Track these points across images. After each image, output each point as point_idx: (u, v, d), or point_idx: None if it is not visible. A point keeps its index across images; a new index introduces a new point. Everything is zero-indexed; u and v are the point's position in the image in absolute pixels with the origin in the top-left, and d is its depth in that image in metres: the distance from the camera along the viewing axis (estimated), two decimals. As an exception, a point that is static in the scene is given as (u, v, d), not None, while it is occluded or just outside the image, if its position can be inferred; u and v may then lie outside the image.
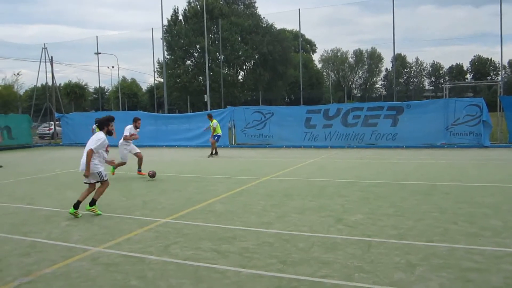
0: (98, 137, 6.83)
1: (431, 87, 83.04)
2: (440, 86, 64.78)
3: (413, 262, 4.41)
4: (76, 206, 6.66)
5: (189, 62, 52.76)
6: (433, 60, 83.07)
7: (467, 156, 14.53)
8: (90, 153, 6.64)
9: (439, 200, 7.47)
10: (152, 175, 10.77)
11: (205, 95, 32.07)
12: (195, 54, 52.01)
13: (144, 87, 70.78)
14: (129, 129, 11.46)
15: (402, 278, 4.03)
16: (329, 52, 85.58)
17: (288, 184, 9.66)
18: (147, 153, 15.18)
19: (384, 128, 18.70)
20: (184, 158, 16.48)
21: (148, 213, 6.98)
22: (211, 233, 5.63)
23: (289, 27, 62.84)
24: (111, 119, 7.16)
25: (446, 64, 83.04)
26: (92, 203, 6.85)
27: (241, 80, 54.11)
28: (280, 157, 15.82)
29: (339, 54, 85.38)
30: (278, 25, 55.20)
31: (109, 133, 7.04)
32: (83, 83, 55.36)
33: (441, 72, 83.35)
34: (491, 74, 75.24)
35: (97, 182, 6.91)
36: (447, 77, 77.96)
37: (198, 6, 49.90)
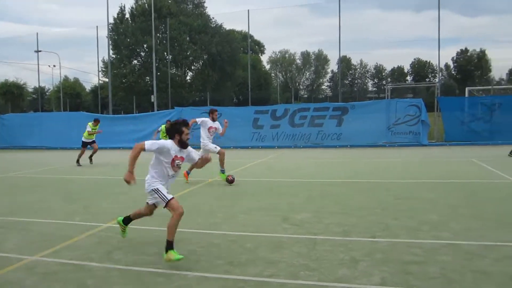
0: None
1: (374, 88, 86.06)
2: (382, 87, 67.30)
3: (356, 258, 4.52)
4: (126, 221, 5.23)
5: (135, 61, 51.58)
6: (376, 62, 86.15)
7: (407, 154, 15.17)
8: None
9: (382, 197, 7.74)
10: (232, 181, 9.52)
11: (152, 96, 31.45)
12: (142, 54, 50.92)
13: (88, 87, 68.28)
14: (205, 122, 10.09)
15: (346, 274, 4.11)
16: (277, 53, 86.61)
17: (236, 184, 9.64)
18: (88, 155, 14.67)
19: (329, 128, 19.17)
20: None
21: (89, 218, 6.71)
22: (157, 237, 5.49)
23: (238, 27, 62.97)
24: (185, 124, 4.89)
25: (388, 66, 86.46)
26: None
27: (189, 80, 53.56)
28: (228, 158, 15.71)
29: (287, 55, 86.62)
30: (228, 26, 55.26)
31: (182, 144, 4.85)
32: (21, 83, 52.63)
33: (383, 74, 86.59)
34: (430, 76, 79.01)
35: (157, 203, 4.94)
36: (389, 79, 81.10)
37: (146, 5, 48.88)
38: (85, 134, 14.69)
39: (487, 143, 17.91)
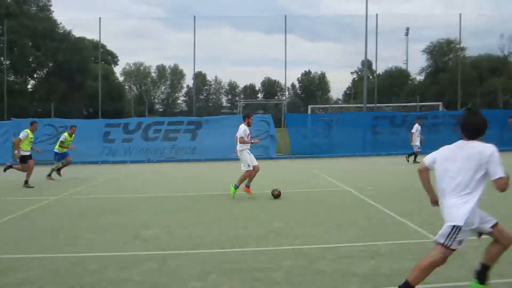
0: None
1: (228, 104, 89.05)
2: (235, 103, 70.04)
3: (207, 270, 4.54)
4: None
5: (-39, 65, 44.85)
6: (230, 79, 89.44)
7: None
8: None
9: (233, 208, 7.98)
10: (278, 195, 8.85)
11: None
12: (-29, 57, 44.55)
13: None
14: (243, 130, 9.17)
15: (197, 287, 4.10)
16: (131, 65, 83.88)
17: (82, 202, 8.98)
18: None
19: (184, 142, 19.18)
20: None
21: None
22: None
23: (89, 36, 59.33)
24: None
25: (241, 84, 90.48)
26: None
27: (31, 89, 48.49)
28: (75, 174, 14.62)
29: (142, 68, 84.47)
30: (77, 33, 51.53)
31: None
32: None
33: (237, 90, 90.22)
34: (278, 94, 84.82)
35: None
36: (242, 95, 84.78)
37: (-21, 3, 43.02)
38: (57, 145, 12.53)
39: (327, 155, 19.87)
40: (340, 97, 77.08)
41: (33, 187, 11.05)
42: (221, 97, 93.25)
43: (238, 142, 9.17)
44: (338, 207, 8.01)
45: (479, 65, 47.78)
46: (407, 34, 53.41)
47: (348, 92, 71.99)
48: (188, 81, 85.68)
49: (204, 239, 5.81)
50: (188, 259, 4.96)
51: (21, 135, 11.35)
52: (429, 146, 19.14)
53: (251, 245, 5.50)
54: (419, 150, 16.16)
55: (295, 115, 26.27)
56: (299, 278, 4.30)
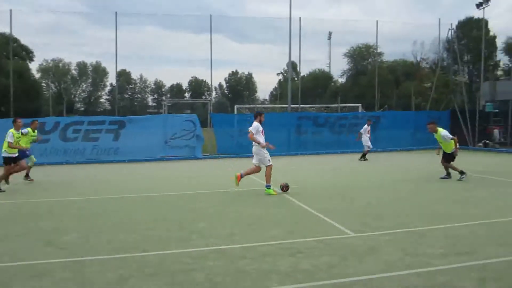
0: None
1: (154, 104, 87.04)
2: (161, 102, 68.68)
3: (125, 275, 4.38)
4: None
5: None
6: (157, 78, 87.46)
7: (183, 167, 15.75)
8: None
9: (156, 210, 7.77)
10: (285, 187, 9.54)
11: None
12: None
13: None
14: (255, 126, 9.59)
15: (113, 293, 3.94)
16: (49, 62, 79.00)
17: (-10, 208, 8.27)
18: None
19: (105, 142, 18.38)
20: None
21: None
22: None
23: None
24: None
25: (168, 83, 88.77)
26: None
27: None
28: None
29: (61, 64, 79.86)
30: (-16, 25, 47.54)
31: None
32: None
33: (163, 89, 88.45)
34: (206, 94, 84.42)
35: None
36: (168, 95, 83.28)
37: None
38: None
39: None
40: (267, 97, 78.51)
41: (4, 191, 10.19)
42: (146, 96, 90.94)
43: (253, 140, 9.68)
44: (261, 206, 8.10)
45: (395, 70, 50.95)
46: (329, 38, 55.50)
47: (274, 93, 73.50)
48: (112, 79, 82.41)
49: (125, 243, 5.59)
50: (106, 265, 4.75)
51: (9, 138, 10.49)
52: (349, 145, 20.16)
53: (174, 247, 5.40)
54: (370, 148, 17.11)
55: (221, 115, 26.24)
56: (220, 278, 4.28)
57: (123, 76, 73.21)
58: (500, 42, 49.30)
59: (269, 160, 9.73)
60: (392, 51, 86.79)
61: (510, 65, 42.18)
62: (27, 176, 12.08)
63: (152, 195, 9.42)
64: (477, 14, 50.98)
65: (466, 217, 6.77)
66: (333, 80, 59.23)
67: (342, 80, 57.35)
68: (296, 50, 25.64)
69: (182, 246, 5.40)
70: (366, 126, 17.43)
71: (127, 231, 6.19)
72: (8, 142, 10.46)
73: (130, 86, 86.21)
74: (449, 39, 28.18)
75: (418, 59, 55.33)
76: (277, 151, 20.46)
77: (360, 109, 30.55)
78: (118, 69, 26.66)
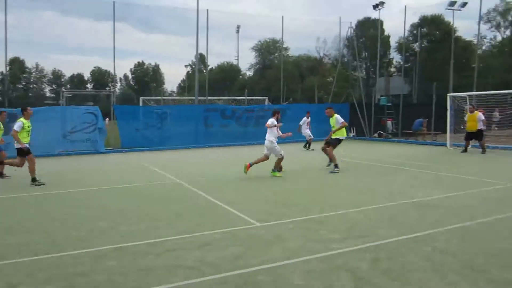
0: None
1: (52, 95, 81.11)
2: (61, 94, 64.25)
3: (14, 282, 4.01)
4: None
5: None
6: (55, 68, 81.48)
7: (84, 162, 14.88)
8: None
9: (49, 210, 7.24)
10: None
11: None
12: None
13: None
14: (272, 122, 10.68)
15: (-1, 303, 3.58)
16: None
17: None
18: None
19: (-6, 137, 16.71)
20: None
21: None
22: None
23: None
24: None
25: (68, 73, 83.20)
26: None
27: None
28: None
29: None
30: None
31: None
32: None
33: (62, 80, 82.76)
34: (110, 85, 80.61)
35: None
36: (69, 85, 78.11)
37: None
38: None
39: (158, 148, 19.59)
40: (175, 89, 77.16)
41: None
42: (43, 87, 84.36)
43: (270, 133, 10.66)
44: (168, 200, 7.93)
45: (300, 64, 52.97)
46: (238, 31, 55.96)
47: (182, 85, 72.46)
48: (1, 67, 75.19)
49: (13, 247, 5.12)
50: (-9, 271, 4.31)
51: (16, 126, 9.84)
52: (257, 137, 20.53)
53: (71, 248, 5.05)
54: (311, 137, 17.88)
55: (126, 107, 25.16)
56: (122, 278, 4.11)
57: (16, 64, 67.15)
58: (393, 42, 53.53)
59: (281, 154, 10.75)
60: (297, 46, 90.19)
61: (402, 63, 45.86)
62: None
63: (45, 194, 8.75)
64: (373, 14, 54.87)
65: (360, 203, 7.23)
66: (241, 73, 59.99)
67: (250, 73, 58.31)
68: (204, 42, 25.48)
69: (81, 247, 5.08)
70: (305, 118, 18.17)
71: (16, 235, 5.68)
72: (14, 129, 9.82)
73: (25, 75, 79.34)
74: (349, 37, 29.89)
75: (321, 55, 58.16)
76: (184, 143, 20.36)
77: (266, 102, 31.26)
78: (9, 57, 24.26)
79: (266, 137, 10.79)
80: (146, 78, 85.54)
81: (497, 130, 19.30)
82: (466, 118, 15.77)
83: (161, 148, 19.57)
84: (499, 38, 50.57)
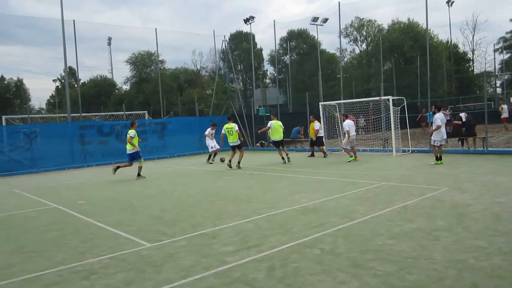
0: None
1: None
2: None
3: None
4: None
5: None
6: None
7: None
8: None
9: None
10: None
11: None
12: None
13: None
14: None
15: None
16: None
17: None
18: None
19: None
20: None
21: None
22: None
23: None
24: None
25: None
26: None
27: None
28: None
29: None
30: None
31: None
32: None
33: None
34: (-38, 103, 71.00)
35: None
36: None
37: None
38: None
39: (30, 171, 17.81)
40: (44, 106, 71.08)
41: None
42: None
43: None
44: (44, 228, 7.19)
45: (177, 77, 52.52)
46: (109, 43, 53.61)
47: (52, 101, 66.96)
48: None
49: None
50: None
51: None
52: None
53: None
54: (217, 148, 17.74)
55: (-15, 128, 22.45)
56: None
57: None
58: (265, 54, 56.15)
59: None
60: (173, 59, 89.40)
61: (275, 74, 48.32)
62: None
63: None
64: (245, 28, 56.98)
65: (249, 213, 7.36)
66: (117, 87, 57.48)
67: (126, 87, 56.12)
68: (73, 55, 23.79)
69: None
70: (209, 129, 18.04)
71: None
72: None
73: None
74: (224, 50, 30.55)
75: (198, 67, 58.55)
76: (60, 163, 18.80)
77: (146, 116, 30.39)
78: None
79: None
80: (8, 95, 77.22)
81: (364, 134, 21.26)
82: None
83: (34, 171, 17.85)
84: (357, 51, 56.15)
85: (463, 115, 19.62)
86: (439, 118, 12.55)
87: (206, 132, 18.20)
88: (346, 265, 4.49)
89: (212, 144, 17.98)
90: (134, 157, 13.55)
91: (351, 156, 14.97)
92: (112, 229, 6.76)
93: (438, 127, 12.47)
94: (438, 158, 12.64)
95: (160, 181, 12.81)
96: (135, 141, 13.43)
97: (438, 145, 12.67)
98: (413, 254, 4.71)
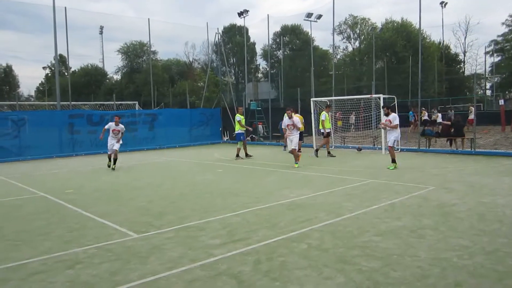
0: None
1: None
2: None
3: None
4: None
5: None
6: None
7: None
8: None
9: None
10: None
11: None
12: None
13: None
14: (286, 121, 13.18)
15: None
16: None
17: None
18: None
19: None
20: None
21: None
22: None
23: None
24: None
25: None
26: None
27: None
28: None
29: None
30: None
31: None
32: None
33: None
34: (-51, 88, 69.85)
35: None
36: None
37: None
38: None
39: (17, 159, 17.62)
40: (33, 93, 70.29)
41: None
42: None
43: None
44: (29, 216, 7.13)
45: (169, 68, 52.25)
46: (101, 32, 53.13)
47: (41, 88, 66.19)
48: None
49: None
50: None
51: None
52: (128, 144, 19.68)
53: None
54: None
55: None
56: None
57: None
58: (258, 49, 56.01)
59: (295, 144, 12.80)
60: (166, 50, 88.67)
61: (268, 69, 48.26)
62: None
63: None
64: (239, 22, 56.75)
65: (238, 206, 7.37)
66: (108, 76, 57.02)
67: (117, 77, 55.69)
68: (64, 43, 23.49)
69: None
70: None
71: None
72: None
73: None
74: (217, 42, 30.40)
75: (191, 59, 58.26)
76: (48, 152, 18.62)
77: (137, 107, 30.19)
78: None
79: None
80: (-2, 81, 76.22)
81: (354, 131, 21.35)
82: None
83: (21, 159, 17.68)
84: (350, 48, 56.27)
85: (451, 114, 19.82)
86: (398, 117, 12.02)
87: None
88: (332, 261, 4.52)
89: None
90: (238, 138, 15.69)
91: (296, 163, 12.73)
92: (99, 219, 6.73)
93: (396, 126, 11.83)
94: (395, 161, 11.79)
95: (149, 172, 12.75)
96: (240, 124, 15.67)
97: (392, 145, 11.99)
98: (398, 251, 4.75)
